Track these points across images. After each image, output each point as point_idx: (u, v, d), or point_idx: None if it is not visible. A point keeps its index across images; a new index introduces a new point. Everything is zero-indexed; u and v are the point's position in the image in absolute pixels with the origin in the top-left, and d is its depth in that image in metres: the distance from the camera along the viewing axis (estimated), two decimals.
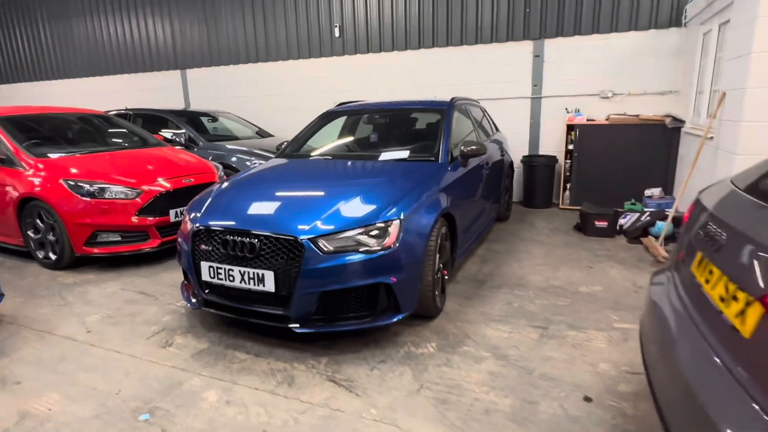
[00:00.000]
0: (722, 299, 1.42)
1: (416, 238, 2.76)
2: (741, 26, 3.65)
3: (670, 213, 4.53)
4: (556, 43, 6.27)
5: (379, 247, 2.57)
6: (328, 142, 4.49)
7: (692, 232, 1.75)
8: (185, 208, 3.81)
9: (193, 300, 2.99)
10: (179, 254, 3.04)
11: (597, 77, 6.15)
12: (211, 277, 2.77)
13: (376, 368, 2.55)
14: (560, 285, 3.64)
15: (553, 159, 6.31)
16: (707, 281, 1.56)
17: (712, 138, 4.16)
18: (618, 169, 5.86)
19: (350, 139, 4.66)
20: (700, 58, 5.07)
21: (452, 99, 4.29)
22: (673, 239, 4.55)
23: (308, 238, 2.54)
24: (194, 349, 2.81)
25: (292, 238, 2.55)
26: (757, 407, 1.12)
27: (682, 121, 5.41)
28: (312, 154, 4.17)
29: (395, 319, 2.68)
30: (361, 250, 2.55)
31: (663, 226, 4.63)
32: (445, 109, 4.06)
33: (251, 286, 2.64)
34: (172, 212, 4.32)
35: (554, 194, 6.50)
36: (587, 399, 2.24)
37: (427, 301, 2.93)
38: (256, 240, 2.62)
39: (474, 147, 3.68)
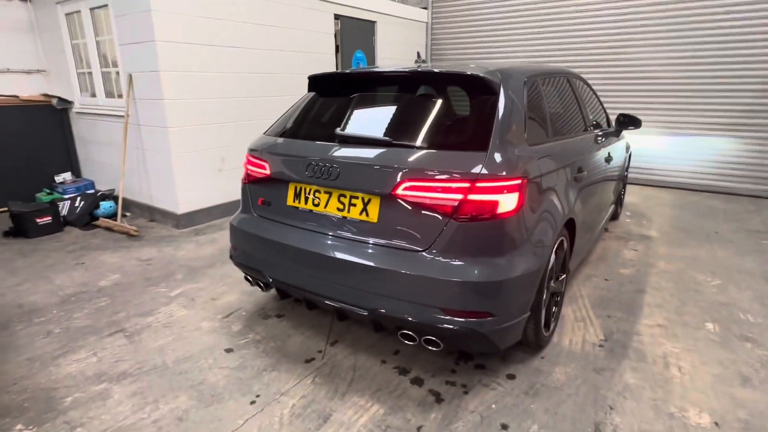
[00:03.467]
0: (340, 210, 2.16)
1: None
2: (133, 15, 4.08)
3: (119, 192, 4.60)
4: None
5: None
6: None
7: (286, 174, 2.31)
8: None
9: None
10: None
11: None
12: None
13: None
14: (76, 291, 3.16)
15: None
16: (316, 204, 2.25)
17: (122, 116, 4.50)
18: (14, 158, 5.05)
19: None
20: (70, 39, 5.07)
21: None
22: (117, 215, 4.76)
23: None
24: None
25: None
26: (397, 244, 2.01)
27: (71, 102, 5.33)
28: None
29: None
30: None
31: (111, 206, 4.72)
32: None
33: None
34: None
35: None
36: (229, 350, 2.46)
37: None
38: None
39: None
